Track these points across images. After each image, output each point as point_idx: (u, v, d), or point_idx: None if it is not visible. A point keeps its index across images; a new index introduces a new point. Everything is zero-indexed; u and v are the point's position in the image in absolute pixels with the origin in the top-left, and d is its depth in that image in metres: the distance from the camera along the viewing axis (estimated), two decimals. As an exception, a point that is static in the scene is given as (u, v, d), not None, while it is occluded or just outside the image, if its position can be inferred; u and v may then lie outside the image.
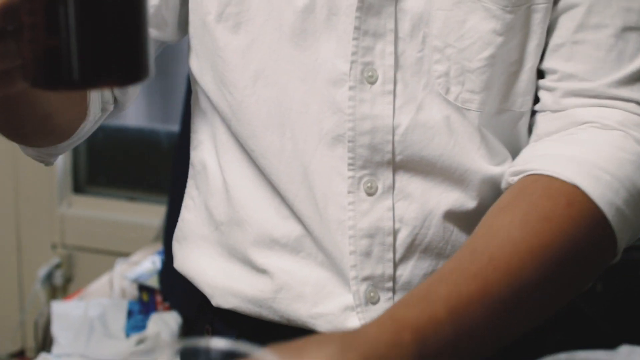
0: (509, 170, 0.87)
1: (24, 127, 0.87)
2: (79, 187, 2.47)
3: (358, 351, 0.67)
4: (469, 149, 0.88)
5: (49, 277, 2.42)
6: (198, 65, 0.95)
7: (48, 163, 0.98)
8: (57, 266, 2.43)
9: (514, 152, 0.90)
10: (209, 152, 0.97)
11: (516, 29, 0.86)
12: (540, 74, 0.90)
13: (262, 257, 0.93)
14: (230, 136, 0.94)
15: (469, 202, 0.89)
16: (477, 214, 0.87)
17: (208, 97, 0.95)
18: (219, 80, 0.93)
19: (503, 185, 0.88)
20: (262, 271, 0.93)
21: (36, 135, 0.91)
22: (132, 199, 2.44)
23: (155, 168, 2.46)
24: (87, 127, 0.95)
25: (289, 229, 0.92)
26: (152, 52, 0.61)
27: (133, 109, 2.52)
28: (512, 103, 0.89)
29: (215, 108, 0.95)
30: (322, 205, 0.89)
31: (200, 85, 0.96)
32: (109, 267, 2.14)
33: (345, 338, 0.68)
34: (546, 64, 0.89)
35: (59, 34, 0.58)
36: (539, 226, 0.78)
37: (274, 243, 0.93)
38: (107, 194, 2.45)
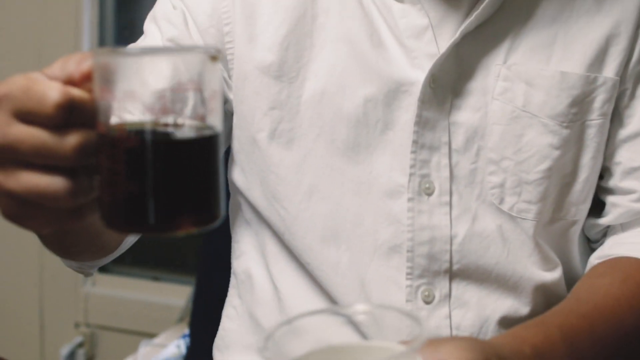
0: (594, 255, 0.93)
1: (76, 246, 0.87)
2: (103, 266, 2.47)
3: (489, 352, 0.71)
4: (522, 256, 0.91)
5: (72, 355, 2.42)
6: (244, 180, 0.96)
7: (88, 274, 0.98)
8: (80, 345, 2.44)
9: (564, 259, 0.93)
10: (255, 262, 0.98)
11: (571, 142, 0.90)
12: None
13: None
14: (281, 248, 0.96)
15: (522, 309, 0.91)
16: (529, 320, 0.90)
17: (256, 210, 0.96)
18: (270, 195, 0.94)
19: (587, 268, 0.93)
20: None
21: (85, 252, 0.90)
22: (156, 278, 2.45)
23: (180, 247, 2.47)
24: (131, 239, 0.96)
25: (347, 336, 0.93)
26: (224, 193, 0.62)
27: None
28: (566, 212, 0.92)
29: (264, 221, 0.96)
30: (379, 316, 0.91)
31: (247, 198, 0.97)
32: (132, 347, 2.14)
33: (476, 341, 0.74)
34: (624, 184, 0.93)
35: (141, 180, 0.58)
36: (637, 290, 0.87)
37: (332, 350, 0.94)
38: (132, 274, 2.47)
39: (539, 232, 0.91)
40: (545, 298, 0.92)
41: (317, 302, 0.95)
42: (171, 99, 0.59)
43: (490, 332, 0.91)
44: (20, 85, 0.59)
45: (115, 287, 2.44)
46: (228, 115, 0.96)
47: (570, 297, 0.88)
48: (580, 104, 0.89)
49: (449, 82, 0.89)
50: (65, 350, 2.40)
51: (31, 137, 0.59)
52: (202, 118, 0.60)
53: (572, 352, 0.80)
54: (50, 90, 0.58)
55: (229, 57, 0.93)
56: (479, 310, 0.91)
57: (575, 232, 0.94)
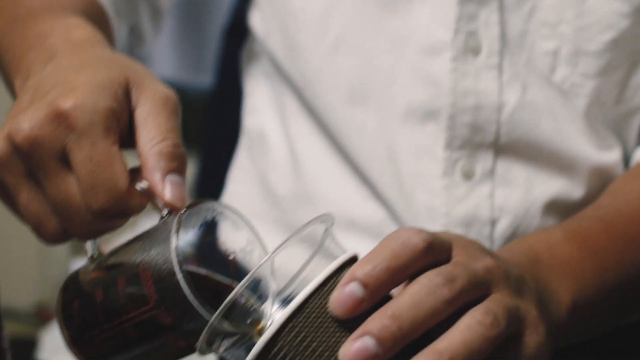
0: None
1: None
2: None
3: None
4: (576, 135, 0.79)
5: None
6: (263, 26, 0.87)
7: None
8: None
9: (623, 148, 0.82)
10: (271, 120, 0.89)
11: None
12: None
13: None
14: (301, 105, 0.85)
15: (575, 191, 0.80)
16: (582, 206, 0.79)
17: (274, 61, 0.86)
18: (290, 46, 0.84)
19: (630, 164, 0.81)
20: (335, 257, 0.84)
21: None
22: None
23: (183, 122, 2.37)
24: None
25: (371, 210, 0.83)
26: None
27: (161, 58, 2.44)
28: (631, 96, 0.80)
29: (283, 74, 0.86)
30: (409, 189, 0.80)
31: (265, 46, 0.87)
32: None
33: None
34: None
35: None
36: None
37: (352, 225, 0.84)
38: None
39: (594, 113, 0.79)
40: (602, 182, 0.80)
41: (339, 169, 0.84)
42: None
43: (537, 217, 0.80)
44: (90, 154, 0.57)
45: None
46: None
47: (590, 205, 0.76)
48: None
49: None
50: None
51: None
52: None
53: (584, 251, 0.68)
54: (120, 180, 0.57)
55: None
56: (526, 190, 0.80)
57: (637, 121, 0.82)
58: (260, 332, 0.55)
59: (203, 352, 0.55)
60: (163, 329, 0.57)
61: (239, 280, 0.56)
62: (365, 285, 0.53)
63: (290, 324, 0.52)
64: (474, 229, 0.79)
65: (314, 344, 0.52)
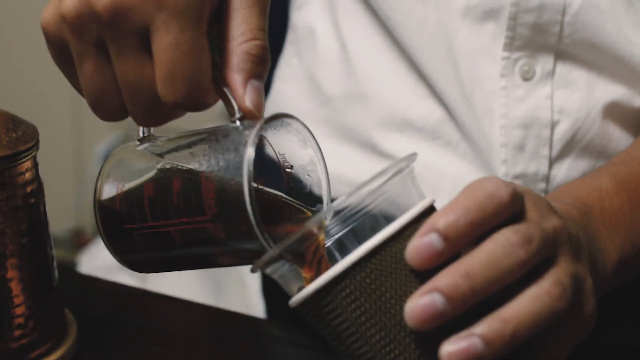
0: None
1: None
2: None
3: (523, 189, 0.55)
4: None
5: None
6: None
7: None
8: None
9: None
10: (321, 15, 0.84)
11: None
12: None
13: (389, 141, 0.81)
14: (355, 0, 0.82)
15: (636, 98, 0.76)
16: None
17: None
18: None
19: None
20: (389, 157, 0.81)
21: None
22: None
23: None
24: None
25: (428, 110, 0.80)
26: None
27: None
28: None
29: None
30: (468, 89, 0.77)
31: None
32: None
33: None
34: None
35: None
36: None
37: (406, 125, 0.80)
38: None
39: None
40: None
41: (394, 67, 0.80)
42: None
43: (597, 121, 0.76)
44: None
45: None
46: None
47: (636, 146, 0.73)
48: None
49: None
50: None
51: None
52: None
53: (634, 205, 0.65)
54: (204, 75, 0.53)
55: None
56: (587, 92, 0.76)
57: None
58: (320, 265, 0.52)
59: (254, 271, 0.52)
60: (213, 242, 0.53)
61: (292, 196, 0.53)
62: (446, 238, 0.49)
63: (360, 266, 0.49)
64: (533, 131, 0.76)
65: (382, 289, 0.49)
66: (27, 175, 0.63)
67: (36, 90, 2.31)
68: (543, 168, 0.77)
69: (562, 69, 0.76)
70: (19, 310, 0.63)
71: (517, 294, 0.50)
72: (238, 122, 0.53)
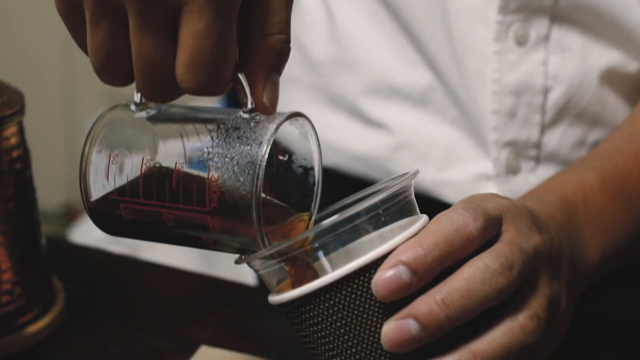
0: None
1: None
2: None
3: (512, 201, 0.55)
4: (636, 4, 0.74)
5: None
6: None
7: None
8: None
9: None
10: None
11: None
12: None
13: (377, 109, 0.80)
14: None
15: (632, 64, 0.75)
16: (637, 81, 0.74)
17: None
18: None
19: None
20: (377, 125, 0.80)
21: None
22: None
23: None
24: None
25: (416, 76, 0.79)
26: None
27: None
28: None
29: None
30: (460, 53, 0.76)
31: None
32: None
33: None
34: None
35: None
36: None
37: (394, 92, 0.79)
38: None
39: None
40: None
41: (380, 30, 0.79)
42: None
43: (592, 87, 0.75)
44: None
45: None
46: None
47: (624, 128, 0.72)
48: None
49: None
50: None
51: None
52: None
53: (618, 201, 0.65)
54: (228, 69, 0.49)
55: None
56: (581, 58, 0.75)
57: None
58: (307, 269, 0.51)
59: (239, 263, 0.52)
60: (207, 230, 0.51)
61: (279, 183, 0.52)
62: (414, 271, 0.48)
63: (348, 281, 0.49)
64: (525, 98, 0.75)
65: (365, 306, 0.49)
66: (13, 140, 0.62)
67: (27, 64, 2.30)
68: (534, 135, 0.76)
69: (557, 33, 0.75)
70: (6, 276, 0.62)
71: (491, 316, 0.50)
72: (248, 110, 0.51)
